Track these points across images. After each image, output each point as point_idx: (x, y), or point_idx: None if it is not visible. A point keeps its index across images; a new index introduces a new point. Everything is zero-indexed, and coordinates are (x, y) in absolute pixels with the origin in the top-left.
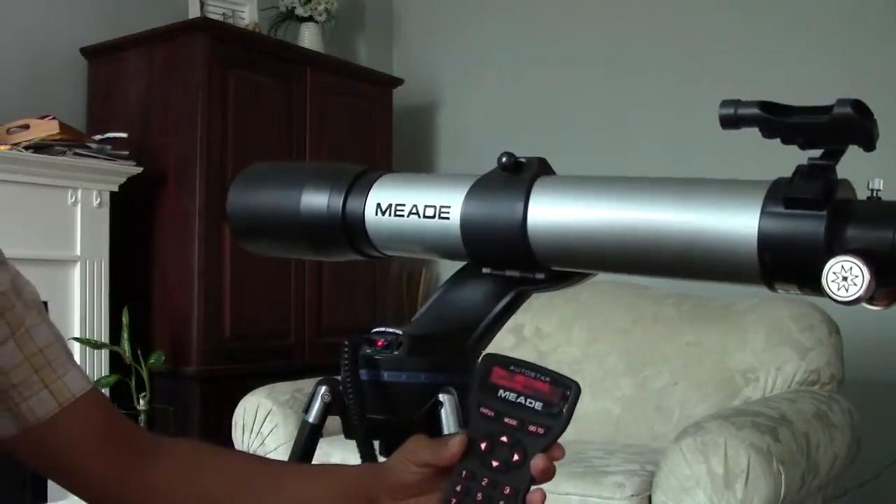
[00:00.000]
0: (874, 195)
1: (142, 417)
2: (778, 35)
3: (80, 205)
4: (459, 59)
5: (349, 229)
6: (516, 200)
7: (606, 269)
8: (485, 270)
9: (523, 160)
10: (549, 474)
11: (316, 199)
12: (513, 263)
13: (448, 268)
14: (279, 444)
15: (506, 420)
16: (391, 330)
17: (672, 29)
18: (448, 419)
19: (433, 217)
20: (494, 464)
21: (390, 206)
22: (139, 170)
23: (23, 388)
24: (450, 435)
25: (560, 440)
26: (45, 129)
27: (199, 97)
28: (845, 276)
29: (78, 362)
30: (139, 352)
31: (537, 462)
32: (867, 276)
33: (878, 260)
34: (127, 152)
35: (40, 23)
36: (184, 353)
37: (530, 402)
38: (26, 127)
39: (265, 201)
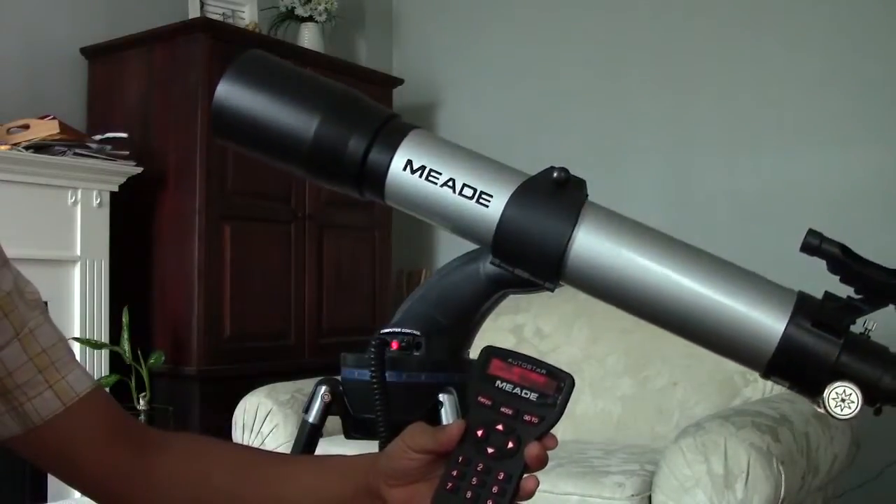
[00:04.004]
0: (866, 332)
1: (142, 417)
2: (775, 39)
3: (80, 205)
4: (459, 59)
5: (364, 175)
6: (566, 222)
7: (623, 309)
8: (494, 261)
9: (571, 177)
10: (542, 462)
11: (333, 134)
12: (533, 269)
13: None
14: (279, 444)
15: (502, 409)
16: (407, 331)
17: (673, 33)
18: (448, 419)
19: (471, 198)
20: (489, 450)
21: (423, 167)
22: (139, 170)
23: (27, 389)
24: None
25: (560, 440)
26: (45, 129)
27: (199, 97)
28: (844, 398)
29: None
30: (139, 352)
31: (531, 449)
32: (860, 402)
33: (868, 389)
34: (127, 152)
35: (40, 23)
36: (184, 353)
37: (526, 393)
38: (26, 127)
39: (267, 111)
